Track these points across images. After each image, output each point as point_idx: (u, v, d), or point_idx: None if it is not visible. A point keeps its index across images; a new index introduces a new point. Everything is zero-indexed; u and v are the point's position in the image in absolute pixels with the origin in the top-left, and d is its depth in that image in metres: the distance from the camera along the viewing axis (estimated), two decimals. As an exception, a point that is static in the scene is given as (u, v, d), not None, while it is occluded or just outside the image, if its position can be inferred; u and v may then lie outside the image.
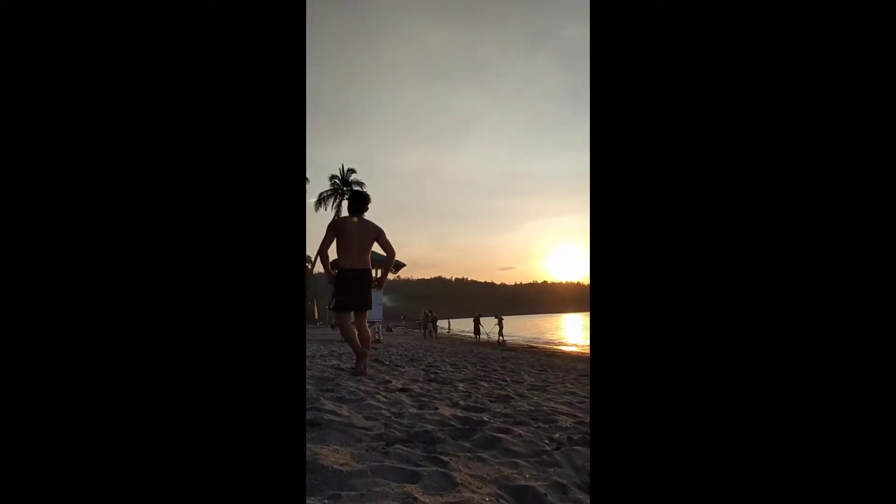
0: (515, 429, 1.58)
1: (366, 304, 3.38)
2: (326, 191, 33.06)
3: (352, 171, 33.67)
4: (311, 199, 32.98)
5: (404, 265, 14.62)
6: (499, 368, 5.33)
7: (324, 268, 3.42)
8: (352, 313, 3.39)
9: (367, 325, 3.44)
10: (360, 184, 33.38)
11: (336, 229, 3.31)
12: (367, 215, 3.42)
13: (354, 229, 3.31)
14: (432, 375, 3.59)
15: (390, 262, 3.60)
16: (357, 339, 3.32)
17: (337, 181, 33.23)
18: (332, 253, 3.42)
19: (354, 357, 3.40)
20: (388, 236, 3.38)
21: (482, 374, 4.31)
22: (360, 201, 3.40)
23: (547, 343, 20.05)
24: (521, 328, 33.71)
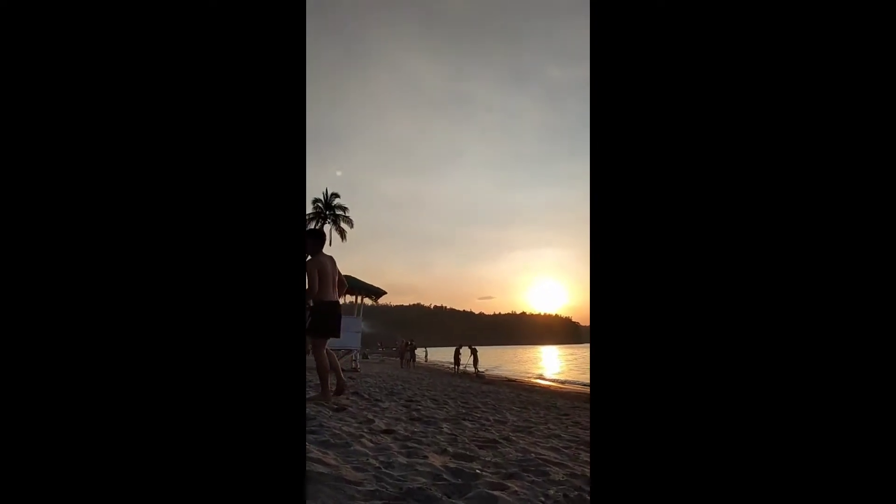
0: (509, 484, 1.53)
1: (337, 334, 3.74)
2: (309, 214, 32.90)
3: (335, 195, 33.67)
4: (292, 222, 32.72)
5: (384, 293, 14.51)
6: (480, 405, 5.25)
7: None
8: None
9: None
10: (344, 208, 33.36)
11: (317, 266, 3.59)
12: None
13: (328, 264, 3.67)
14: (414, 413, 3.50)
15: (343, 285, 3.97)
16: (327, 373, 3.61)
17: (320, 205, 33.15)
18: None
19: (321, 388, 3.65)
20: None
21: (464, 411, 4.23)
22: (322, 239, 3.82)
23: (525, 375, 19.95)
24: (499, 359, 33.52)
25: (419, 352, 27.99)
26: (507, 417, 4.16)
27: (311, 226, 32.53)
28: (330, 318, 3.63)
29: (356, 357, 11.46)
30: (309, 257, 3.63)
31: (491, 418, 3.89)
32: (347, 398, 4.07)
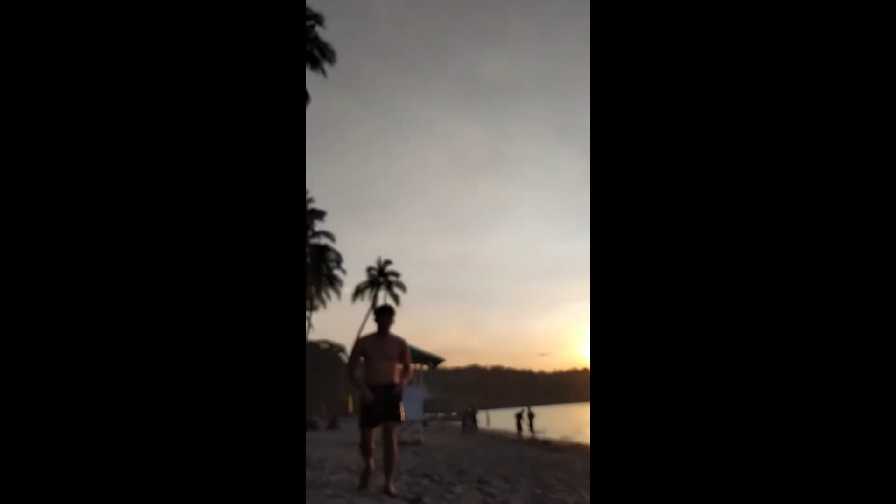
0: None
1: (395, 417, 3.37)
2: (364, 282, 33.61)
3: (388, 262, 34.38)
4: (348, 290, 33.41)
5: (442, 360, 14.36)
6: (554, 482, 5.03)
7: (359, 388, 3.42)
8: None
9: (395, 438, 3.39)
10: (396, 274, 33.91)
11: (359, 347, 3.44)
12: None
13: (378, 346, 3.40)
14: (490, 501, 3.42)
15: (407, 374, 3.55)
16: (371, 458, 3.46)
17: (374, 272, 33.85)
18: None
19: (364, 469, 3.51)
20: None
21: (539, 492, 4.07)
22: (383, 316, 3.46)
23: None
24: (562, 420, 32.00)
25: (480, 415, 27.27)
26: (585, 497, 3.97)
27: (366, 295, 33.09)
28: (363, 408, 3.36)
29: (420, 429, 11.23)
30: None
31: (570, 501, 3.73)
32: (419, 484, 4.02)
